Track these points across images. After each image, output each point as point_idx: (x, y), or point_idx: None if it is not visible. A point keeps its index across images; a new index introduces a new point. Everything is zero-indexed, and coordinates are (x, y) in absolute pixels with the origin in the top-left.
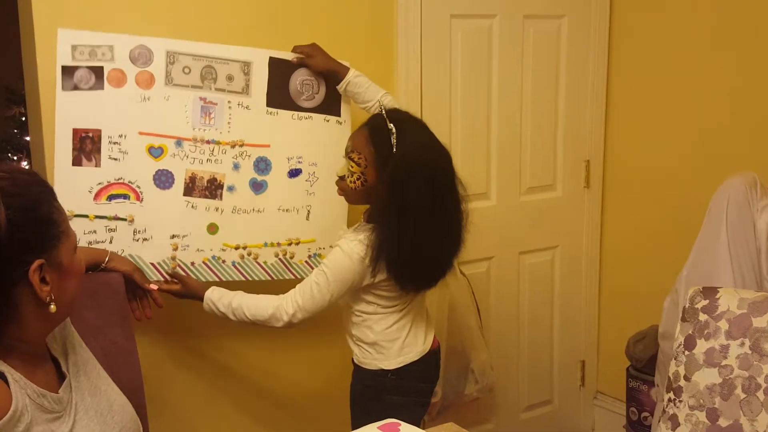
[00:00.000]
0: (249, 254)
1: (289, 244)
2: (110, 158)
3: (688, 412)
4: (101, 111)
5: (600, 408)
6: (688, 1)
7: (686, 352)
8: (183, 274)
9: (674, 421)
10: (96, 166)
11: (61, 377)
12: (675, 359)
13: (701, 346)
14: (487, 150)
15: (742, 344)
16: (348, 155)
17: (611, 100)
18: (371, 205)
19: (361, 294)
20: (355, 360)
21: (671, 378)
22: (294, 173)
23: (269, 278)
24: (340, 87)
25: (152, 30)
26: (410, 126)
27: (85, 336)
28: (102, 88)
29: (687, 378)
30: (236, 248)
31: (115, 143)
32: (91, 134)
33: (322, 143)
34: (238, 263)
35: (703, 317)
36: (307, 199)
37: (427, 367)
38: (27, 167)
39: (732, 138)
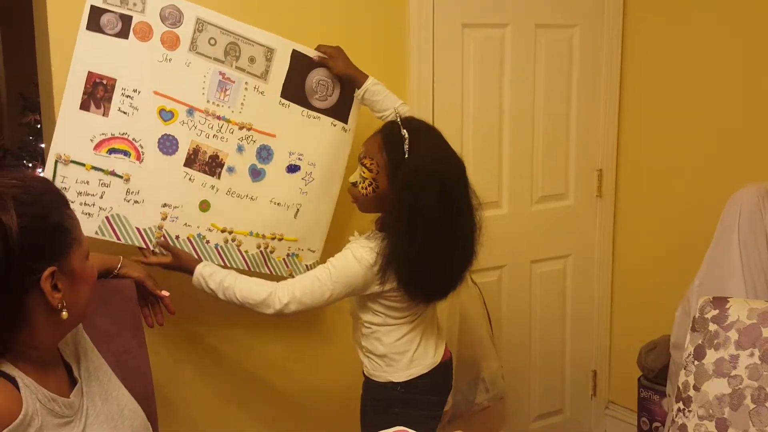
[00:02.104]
0: (233, 240)
1: (273, 239)
2: (120, 110)
3: (697, 422)
4: (120, 60)
5: (611, 418)
6: (701, 10)
7: (696, 362)
8: (170, 244)
9: (683, 431)
10: (103, 115)
11: (73, 382)
12: (684, 369)
13: (711, 356)
14: (499, 159)
15: (752, 354)
16: (360, 161)
17: (624, 109)
18: (382, 213)
19: (370, 304)
20: (365, 372)
21: (681, 388)
22: (292, 169)
23: (246, 268)
24: (358, 94)
25: None
26: (424, 134)
27: (97, 342)
28: (126, 37)
29: (696, 388)
30: (222, 231)
31: (127, 96)
32: (105, 81)
33: (323, 146)
34: (221, 246)
35: (713, 327)
36: (299, 197)
37: (437, 379)
38: (41, 175)
39: (745, 148)
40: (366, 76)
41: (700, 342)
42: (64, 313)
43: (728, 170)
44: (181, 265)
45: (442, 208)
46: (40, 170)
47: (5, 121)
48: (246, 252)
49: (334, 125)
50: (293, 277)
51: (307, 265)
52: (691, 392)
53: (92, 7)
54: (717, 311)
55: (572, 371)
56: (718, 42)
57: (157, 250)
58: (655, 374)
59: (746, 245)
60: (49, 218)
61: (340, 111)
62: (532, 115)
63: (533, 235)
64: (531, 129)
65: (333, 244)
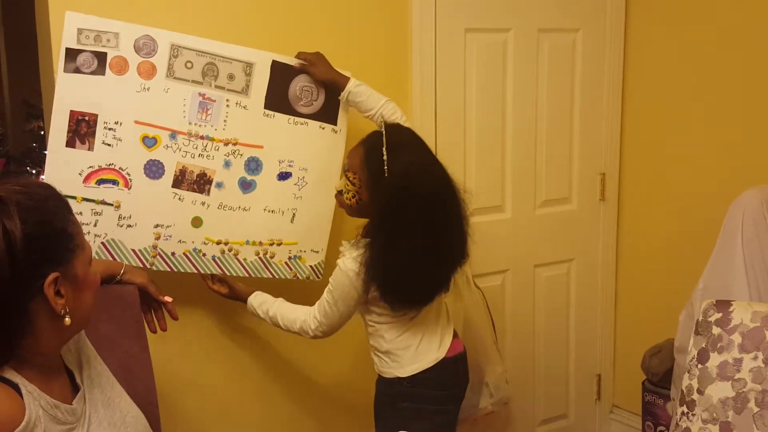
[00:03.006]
0: (230, 250)
1: (271, 244)
2: (104, 143)
3: (701, 426)
4: (100, 96)
5: (616, 422)
6: (703, 14)
7: (699, 366)
8: (228, 277)
9: None
10: (89, 150)
11: (76, 389)
12: (688, 372)
13: (714, 360)
14: (502, 163)
15: (756, 357)
16: (345, 173)
17: (626, 113)
18: (368, 220)
19: (369, 305)
20: (376, 369)
21: (684, 391)
22: (283, 176)
23: (247, 275)
24: (342, 97)
25: (159, 22)
26: (404, 148)
27: (100, 348)
28: (103, 73)
29: (700, 391)
30: (218, 243)
31: (110, 129)
32: (87, 117)
33: (314, 150)
34: (218, 258)
35: (716, 330)
36: (294, 202)
37: (443, 373)
38: (44, 181)
39: (748, 151)
40: (347, 79)
41: (703, 345)
42: (67, 319)
43: (732, 174)
44: (235, 295)
45: (423, 221)
46: (43, 177)
47: (9, 128)
48: (245, 260)
49: (323, 128)
50: (297, 279)
51: (311, 266)
52: (695, 396)
53: (67, 49)
54: (720, 314)
55: (576, 375)
56: (721, 46)
57: (154, 267)
58: (659, 378)
59: (750, 248)
60: (52, 224)
61: (327, 114)
62: (534, 120)
63: (537, 240)
64: (534, 133)
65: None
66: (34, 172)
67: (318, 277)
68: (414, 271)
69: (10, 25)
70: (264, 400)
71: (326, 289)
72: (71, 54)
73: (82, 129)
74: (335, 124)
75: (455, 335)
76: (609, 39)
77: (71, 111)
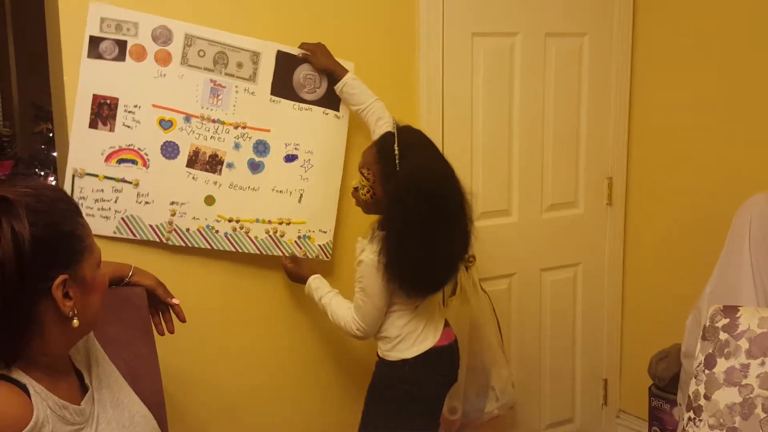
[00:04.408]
0: (241, 228)
1: (280, 223)
2: (124, 125)
3: (708, 431)
4: (120, 81)
5: (622, 427)
6: (710, 18)
7: (706, 371)
8: (298, 256)
9: None
10: (110, 131)
11: (84, 389)
12: (695, 378)
13: (721, 365)
14: (508, 167)
15: (763, 363)
16: (360, 170)
17: (634, 117)
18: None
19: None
20: (379, 353)
21: (691, 397)
22: (290, 158)
23: (258, 252)
24: (337, 87)
25: (174, 13)
26: (414, 148)
27: (108, 349)
28: (124, 60)
29: (707, 397)
30: (229, 221)
31: (129, 112)
32: (108, 101)
33: (319, 134)
34: (230, 234)
35: (723, 336)
36: (300, 183)
37: (442, 358)
38: (54, 183)
39: (756, 155)
40: (346, 71)
41: (710, 351)
42: (75, 320)
43: (739, 178)
44: (299, 273)
45: (431, 215)
46: (52, 179)
47: (18, 130)
48: (256, 237)
49: (326, 114)
50: (308, 257)
51: (320, 245)
52: (702, 401)
53: (91, 37)
54: (728, 320)
55: (583, 380)
56: (728, 50)
57: (170, 242)
58: (665, 383)
59: (757, 253)
60: (61, 226)
61: (330, 101)
62: (541, 124)
63: (543, 244)
64: (541, 137)
65: (349, 227)
66: (42, 174)
67: (327, 257)
68: (426, 259)
69: (20, 27)
70: (271, 400)
71: (356, 290)
72: (94, 41)
73: (104, 111)
74: (338, 110)
75: (447, 324)
76: (616, 43)
77: (94, 95)
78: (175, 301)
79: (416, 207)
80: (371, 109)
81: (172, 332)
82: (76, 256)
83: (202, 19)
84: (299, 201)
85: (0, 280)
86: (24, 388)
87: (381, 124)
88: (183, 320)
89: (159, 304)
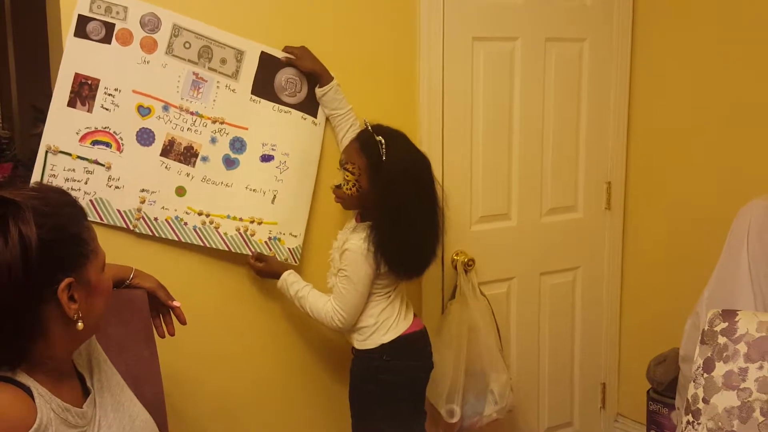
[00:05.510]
0: (211, 222)
1: (252, 222)
2: (102, 107)
3: None
4: (104, 63)
5: (620, 430)
6: (710, 23)
7: (705, 375)
8: (265, 254)
9: None
10: (88, 111)
11: (86, 392)
12: (694, 382)
13: (720, 369)
14: (508, 171)
15: (761, 367)
16: (343, 166)
17: (633, 122)
18: (364, 208)
19: None
20: (356, 345)
21: (690, 400)
22: (266, 158)
23: (227, 249)
24: (323, 90)
25: (164, 1)
26: (395, 138)
27: (110, 352)
28: (109, 42)
29: (705, 401)
30: (199, 214)
31: (109, 95)
32: (90, 82)
33: (296, 137)
34: (199, 228)
35: (722, 340)
36: (275, 184)
37: (415, 344)
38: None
39: (755, 160)
40: (331, 78)
41: (709, 355)
42: (79, 323)
43: (738, 183)
44: (271, 270)
45: (418, 200)
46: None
47: (17, 132)
48: (225, 234)
49: (305, 119)
50: (278, 259)
51: (290, 249)
52: (701, 405)
53: (79, 16)
54: (726, 324)
55: (581, 384)
56: (728, 54)
57: (137, 230)
58: (664, 387)
59: (755, 258)
60: (67, 229)
61: (309, 106)
62: (541, 128)
63: (542, 248)
64: (540, 141)
65: (318, 234)
66: None
67: (295, 262)
68: (417, 241)
69: (19, 29)
70: (272, 404)
71: (339, 278)
72: (82, 20)
73: (84, 91)
74: (315, 116)
75: (415, 314)
76: (616, 48)
77: (76, 73)
78: (176, 303)
79: (407, 189)
80: (348, 116)
81: (172, 334)
82: (81, 259)
83: (191, 11)
84: (272, 202)
85: (6, 283)
86: (28, 391)
87: (354, 129)
88: (184, 323)
89: (160, 306)
